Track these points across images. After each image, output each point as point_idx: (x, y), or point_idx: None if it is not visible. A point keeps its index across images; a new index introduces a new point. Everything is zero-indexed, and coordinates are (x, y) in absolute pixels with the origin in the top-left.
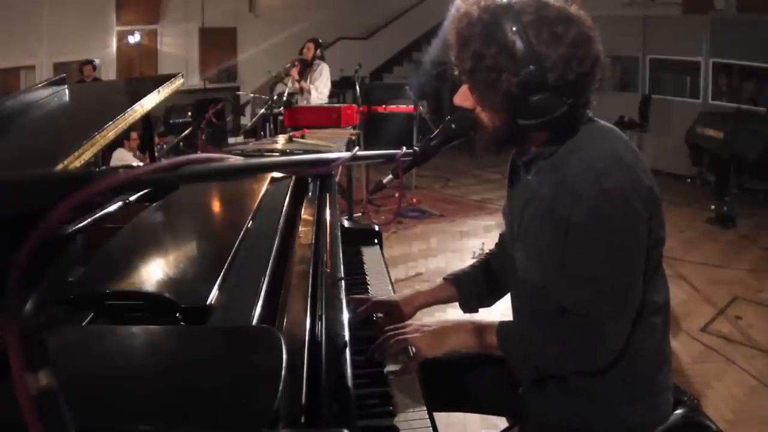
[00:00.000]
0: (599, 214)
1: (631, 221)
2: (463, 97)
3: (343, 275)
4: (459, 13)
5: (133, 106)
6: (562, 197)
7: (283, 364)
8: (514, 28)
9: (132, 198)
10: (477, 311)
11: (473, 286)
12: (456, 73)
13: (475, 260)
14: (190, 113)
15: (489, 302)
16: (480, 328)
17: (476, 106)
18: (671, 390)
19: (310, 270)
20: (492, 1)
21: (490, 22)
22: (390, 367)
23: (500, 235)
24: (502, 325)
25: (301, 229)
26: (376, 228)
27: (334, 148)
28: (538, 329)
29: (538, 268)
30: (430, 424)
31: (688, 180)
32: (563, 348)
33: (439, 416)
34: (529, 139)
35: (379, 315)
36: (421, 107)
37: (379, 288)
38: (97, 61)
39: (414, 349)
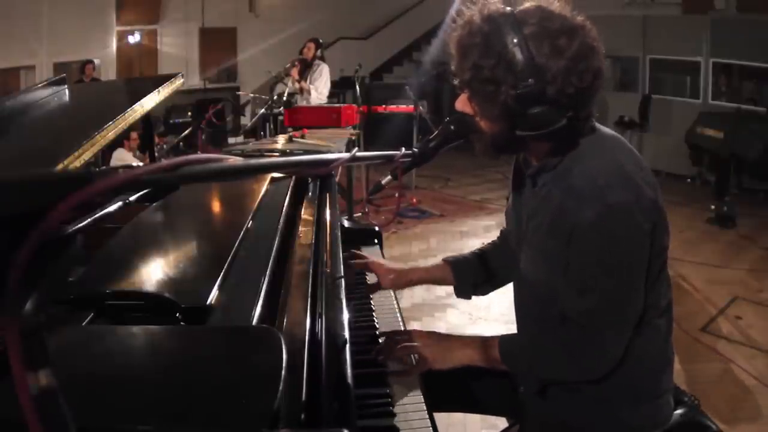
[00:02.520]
0: (602, 229)
1: (634, 236)
2: (464, 104)
3: (343, 275)
4: (461, 21)
5: (133, 106)
6: (566, 206)
7: (283, 364)
8: (514, 40)
9: (132, 198)
10: (470, 298)
11: (470, 273)
12: (456, 82)
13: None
14: (190, 113)
15: (483, 291)
16: (485, 344)
17: (476, 113)
18: (672, 391)
19: (310, 270)
20: (494, 9)
21: (490, 33)
22: (391, 368)
23: (501, 231)
24: (503, 338)
25: (301, 229)
26: (376, 228)
27: (334, 148)
28: (539, 340)
29: (542, 275)
30: (430, 424)
31: (688, 180)
32: (563, 358)
33: (439, 416)
34: (529, 148)
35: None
36: (421, 107)
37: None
38: (97, 61)
39: (417, 357)
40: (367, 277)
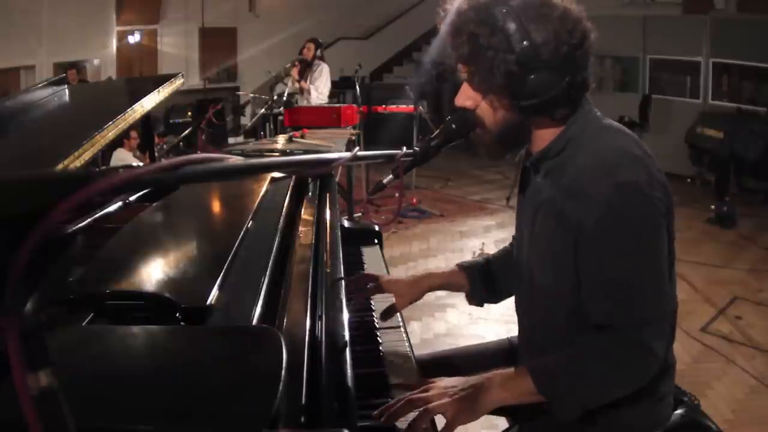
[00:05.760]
0: (616, 211)
1: (651, 214)
2: (464, 97)
3: (343, 275)
4: (449, 12)
5: (133, 106)
6: (572, 199)
7: (283, 364)
8: (503, 11)
9: (132, 198)
10: (482, 305)
11: (484, 280)
12: (453, 61)
13: (486, 253)
14: (190, 113)
15: (497, 299)
16: (507, 378)
17: (477, 105)
18: (672, 393)
19: (310, 270)
20: None
21: (480, 8)
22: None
23: (513, 237)
24: (533, 365)
25: (301, 229)
26: (376, 228)
27: (334, 148)
28: (576, 356)
29: (552, 274)
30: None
31: (688, 180)
32: (609, 367)
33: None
34: (532, 128)
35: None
36: (421, 107)
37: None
38: (96, 62)
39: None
40: (372, 304)
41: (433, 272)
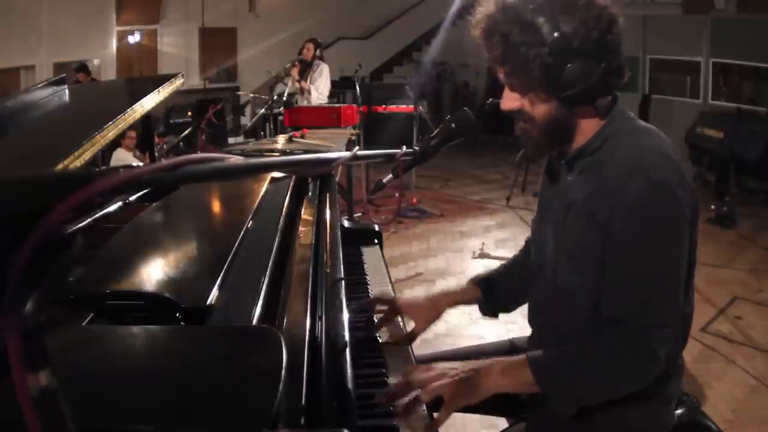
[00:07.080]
0: (645, 208)
1: (677, 219)
2: (508, 100)
3: (343, 275)
4: (478, 18)
5: (133, 106)
6: (605, 195)
7: (283, 364)
8: (530, 7)
9: (132, 198)
10: (497, 316)
11: (496, 292)
12: (491, 65)
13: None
14: (190, 113)
15: (511, 308)
16: (509, 366)
17: (523, 104)
18: (677, 397)
19: (310, 270)
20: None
21: (507, 9)
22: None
23: (526, 241)
24: (532, 357)
25: (301, 229)
26: (376, 228)
27: (334, 148)
28: (578, 353)
29: (577, 274)
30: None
31: None
32: (611, 367)
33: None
34: (577, 122)
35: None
36: (421, 107)
37: (379, 288)
38: (96, 62)
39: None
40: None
41: (448, 292)
